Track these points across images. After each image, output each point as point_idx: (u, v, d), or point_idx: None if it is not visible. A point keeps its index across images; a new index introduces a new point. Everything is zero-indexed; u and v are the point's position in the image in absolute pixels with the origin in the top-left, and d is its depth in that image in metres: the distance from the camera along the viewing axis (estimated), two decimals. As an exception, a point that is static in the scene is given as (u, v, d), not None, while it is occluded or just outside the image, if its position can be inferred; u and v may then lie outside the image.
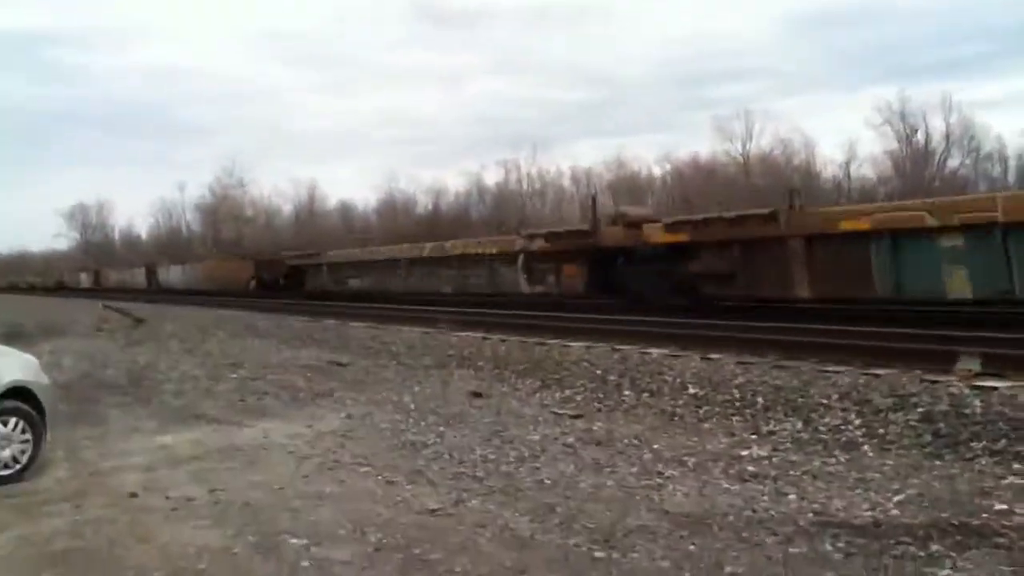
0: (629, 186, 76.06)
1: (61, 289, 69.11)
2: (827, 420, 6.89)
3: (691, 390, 8.34)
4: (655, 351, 10.07)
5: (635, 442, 7.03)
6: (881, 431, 6.46)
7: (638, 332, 12.04)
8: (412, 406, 9.27)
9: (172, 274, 52.27)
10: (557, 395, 9.33)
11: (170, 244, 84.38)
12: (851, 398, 7.17)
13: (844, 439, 6.50)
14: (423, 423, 8.35)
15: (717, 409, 7.75)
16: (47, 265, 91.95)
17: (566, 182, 78.92)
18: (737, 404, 7.74)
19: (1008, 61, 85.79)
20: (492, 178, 77.11)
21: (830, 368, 8.29)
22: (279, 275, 37.26)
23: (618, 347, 10.62)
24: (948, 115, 61.02)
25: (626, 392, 8.84)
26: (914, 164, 63.85)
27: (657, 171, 75.28)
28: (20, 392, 6.51)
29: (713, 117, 72.30)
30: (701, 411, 7.80)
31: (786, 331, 10.99)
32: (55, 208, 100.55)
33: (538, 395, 9.55)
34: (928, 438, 6.18)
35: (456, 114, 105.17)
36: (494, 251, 22.38)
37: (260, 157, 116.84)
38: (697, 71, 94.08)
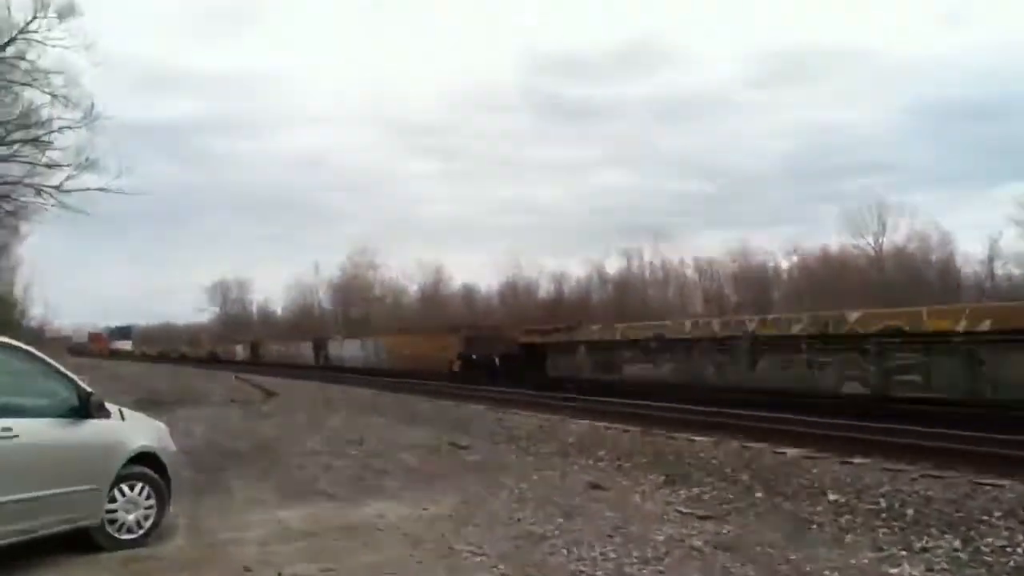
0: (754, 277, 74.32)
1: (214, 361, 68.07)
2: (990, 540, 6.16)
3: (831, 496, 7.71)
4: (790, 451, 9.44)
5: (769, 550, 6.48)
6: (1056, 557, 5.71)
7: (770, 430, 11.37)
8: (530, 494, 8.96)
9: (347, 349, 47.14)
10: (683, 493, 8.82)
11: (303, 321, 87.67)
12: (1017, 516, 6.42)
13: (1012, 563, 5.78)
14: (540, 513, 8.02)
15: (860, 519, 7.09)
16: (193, 336, 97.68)
17: (689, 271, 77.80)
18: (883, 515, 7.07)
19: None
20: (614, 266, 76.95)
21: (988, 480, 7.50)
22: (502, 354, 27.92)
23: (748, 444, 10.04)
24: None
25: (758, 494, 8.27)
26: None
27: (784, 263, 72.90)
28: (148, 458, 6.63)
29: (843, 209, 69.85)
30: (842, 520, 7.16)
31: (935, 436, 10.14)
32: (198, 283, 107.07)
33: (661, 491, 9.06)
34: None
35: (577, 204, 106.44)
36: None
37: (388, 241, 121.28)
38: (818, 164, 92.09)
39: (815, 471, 8.49)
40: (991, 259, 63.42)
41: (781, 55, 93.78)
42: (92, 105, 29.49)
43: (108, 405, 6.44)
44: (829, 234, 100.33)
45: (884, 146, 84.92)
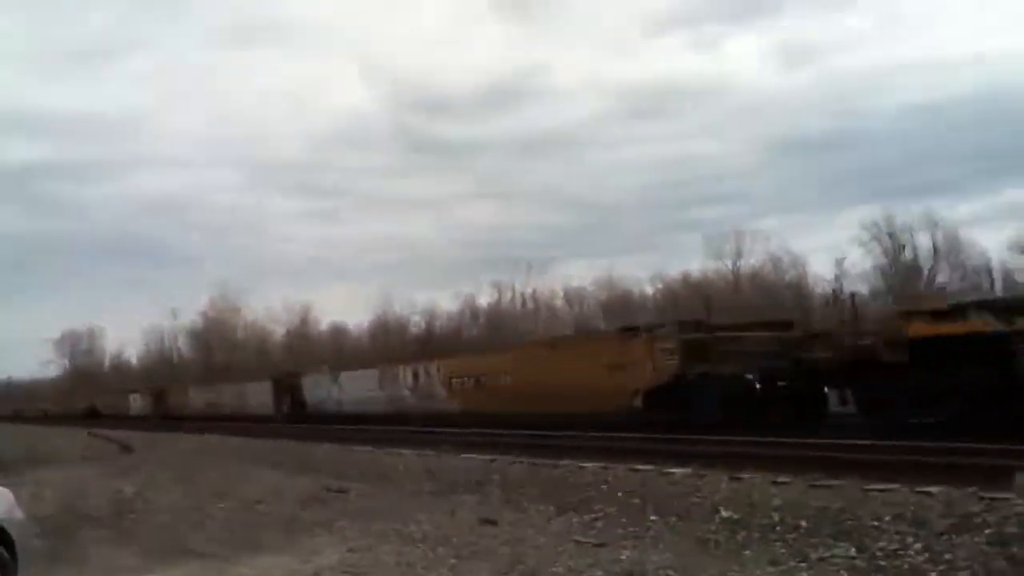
0: (622, 304, 76.35)
1: (93, 417, 55.44)
2: (883, 544, 6.25)
3: (723, 513, 7.70)
4: (678, 471, 9.44)
5: (670, 573, 6.36)
6: (948, 556, 5.83)
7: (654, 451, 11.40)
8: (419, 536, 8.56)
9: (345, 388, 32.17)
10: (575, 521, 8.64)
11: (159, 370, 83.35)
12: (905, 518, 6.55)
13: (906, 565, 5.87)
14: (431, 555, 7.65)
15: (756, 534, 7.09)
16: (51, 390, 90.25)
17: (559, 302, 79.07)
18: (777, 528, 7.09)
19: (979, 182, 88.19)
20: (485, 299, 77.23)
21: (875, 486, 7.66)
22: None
23: (636, 467, 9.98)
24: (934, 231, 61.89)
25: (652, 516, 8.18)
26: (905, 279, 64.38)
27: (649, 290, 75.38)
28: (-10, 529, 5.86)
29: (704, 236, 73.07)
30: (738, 536, 7.14)
31: (813, 447, 10.41)
32: (44, 336, 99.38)
33: (554, 521, 8.86)
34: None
35: (445, 238, 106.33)
36: None
37: (252, 282, 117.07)
38: (680, 195, 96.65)
39: (706, 490, 8.49)
40: (838, 278, 67.70)
41: (639, 92, 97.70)
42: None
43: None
44: (690, 260, 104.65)
45: (738, 177, 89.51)
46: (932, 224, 61.35)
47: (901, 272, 65.14)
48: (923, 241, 61.83)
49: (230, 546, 8.84)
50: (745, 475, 8.75)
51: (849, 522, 6.78)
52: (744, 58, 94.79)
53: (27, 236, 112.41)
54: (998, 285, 63.08)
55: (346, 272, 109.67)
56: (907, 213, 61.26)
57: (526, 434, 15.55)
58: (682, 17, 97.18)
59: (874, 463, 8.95)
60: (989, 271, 62.71)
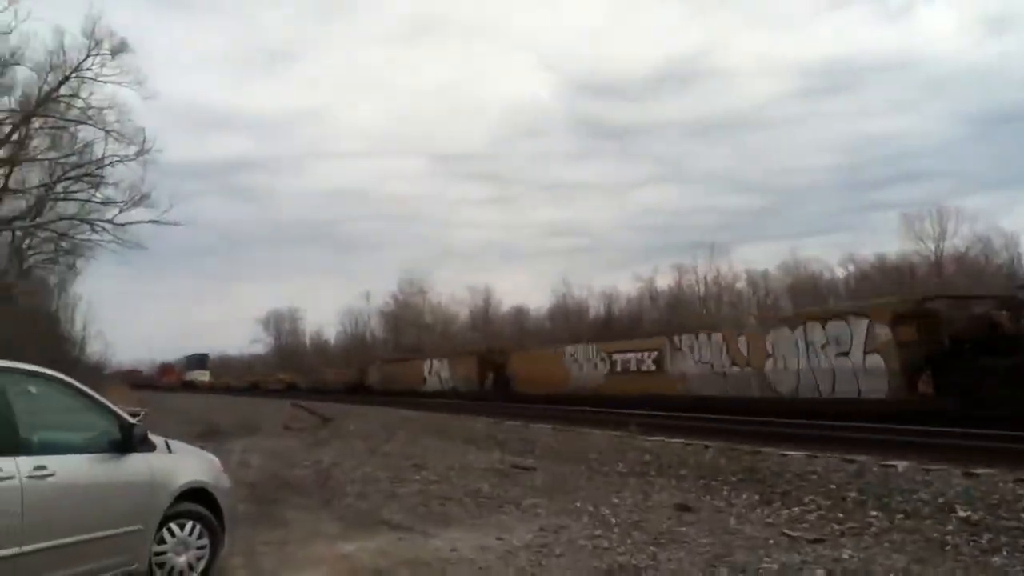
0: (809, 288, 72.57)
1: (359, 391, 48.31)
2: None
3: (960, 512, 6.79)
4: (899, 463, 8.51)
5: (903, 577, 5.64)
6: None
7: (870, 440, 10.37)
8: (613, 519, 8.17)
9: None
10: (784, 513, 7.95)
11: (355, 349, 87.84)
12: None
13: None
14: (628, 541, 7.24)
15: (1004, 538, 6.18)
16: (248, 367, 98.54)
17: (741, 285, 76.34)
18: (1031, 533, 6.15)
19: None
20: (664, 282, 75.85)
21: None
22: None
23: (850, 457, 9.11)
24: None
25: (872, 512, 7.37)
26: None
27: (840, 272, 71.08)
28: (199, 494, 6.00)
29: (903, 216, 68.00)
30: (982, 540, 6.25)
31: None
32: (252, 316, 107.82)
33: (758, 511, 8.20)
34: None
35: (623, 223, 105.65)
36: None
37: (436, 267, 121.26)
38: (869, 174, 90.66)
39: (936, 485, 7.56)
40: (1060, 259, 60.97)
41: (820, 69, 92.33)
42: (144, 139, 29.76)
43: (153, 437, 5.81)
44: (883, 242, 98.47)
45: (933, 154, 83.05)
46: None
47: None
48: None
49: (422, 518, 8.83)
50: (981, 470, 7.73)
51: None
52: (935, 28, 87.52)
53: (230, 224, 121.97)
54: None
55: (525, 256, 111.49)
56: None
57: (718, 419, 14.77)
58: None
59: None
60: None
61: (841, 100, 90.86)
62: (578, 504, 9.12)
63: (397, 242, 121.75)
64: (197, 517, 5.91)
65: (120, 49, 29.72)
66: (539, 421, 18.88)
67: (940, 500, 7.17)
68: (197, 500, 5.98)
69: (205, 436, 20.10)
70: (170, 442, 6.10)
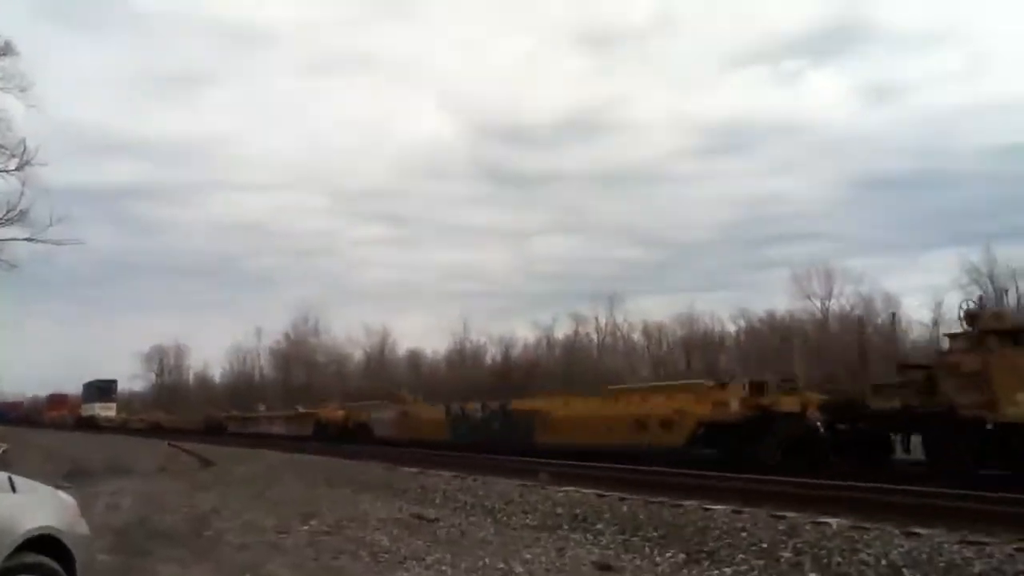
0: (702, 342, 74.09)
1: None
2: None
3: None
4: (833, 521, 8.04)
5: (862, 652, 5.06)
6: None
7: (795, 495, 9.90)
8: (528, 578, 7.39)
9: None
10: (714, 574, 7.34)
11: (242, 388, 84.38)
12: None
13: None
14: (549, 605, 6.48)
15: (960, 608, 5.70)
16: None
17: (637, 336, 77.42)
18: (989, 601, 5.69)
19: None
20: (561, 331, 76.20)
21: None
22: None
23: (779, 513, 8.61)
24: (1037, 277, 58.17)
25: (811, 574, 6.83)
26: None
27: (731, 327, 73.03)
28: (47, 543, 4.89)
29: (792, 273, 70.61)
30: (935, 609, 5.76)
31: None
32: (133, 350, 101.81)
33: (685, 571, 7.58)
34: None
35: (523, 269, 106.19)
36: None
37: (332, 306, 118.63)
38: (761, 232, 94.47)
39: (876, 545, 7.08)
40: (936, 323, 64.17)
41: (716, 128, 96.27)
42: (24, 150, 27.60)
43: (-11, 473, 4.70)
44: (772, 299, 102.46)
45: (820, 216, 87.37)
46: (1034, 268, 57.96)
47: (1005, 319, 61.53)
48: (1025, 287, 58.49)
49: (312, 575, 7.83)
50: (922, 530, 7.32)
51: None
52: (824, 94, 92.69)
53: (118, 253, 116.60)
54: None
55: (424, 299, 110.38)
56: (1009, 257, 58.27)
57: (626, 468, 14.20)
58: (762, 52, 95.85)
59: None
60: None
61: (738, 159, 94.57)
62: (487, 560, 8.29)
63: (294, 279, 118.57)
64: (43, 572, 4.80)
65: (3, 51, 27.63)
66: (438, 468, 17.92)
67: (883, 562, 6.69)
68: (45, 550, 4.87)
69: (71, 476, 18.31)
70: (14, 478, 4.96)
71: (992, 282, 60.97)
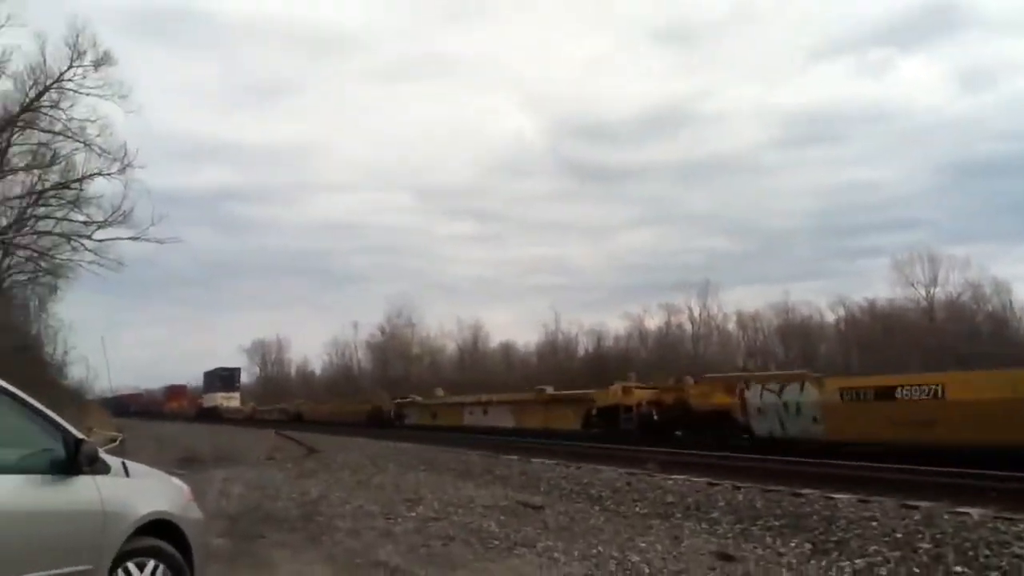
0: (799, 331, 71.94)
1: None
2: None
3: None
4: (974, 511, 7.46)
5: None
6: None
7: (930, 483, 9.23)
8: (645, 568, 7.08)
9: None
10: (846, 566, 6.88)
11: (342, 381, 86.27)
12: None
13: None
14: (672, 596, 6.16)
15: None
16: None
17: (731, 326, 75.73)
18: None
19: None
20: (653, 322, 75.16)
21: None
22: None
23: (911, 503, 8.06)
24: None
25: (956, 568, 6.31)
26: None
27: (830, 316, 70.64)
28: (163, 527, 4.87)
29: (893, 260, 67.81)
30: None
31: None
32: (236, 345, 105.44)
33: (814, 562, 7.13)
34: None
35: (608, 263, 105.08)
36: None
37: (423, 301, 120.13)
38: (851, 221, 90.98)
39: (1027, 537, 6.52)
40: (1053, 309, 60.53)
41: (801, 118, 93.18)
42: (125, 153, 28.62)
43: (107, 458, 4.70)
44: (869, 288, 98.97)
45: (915, 203, 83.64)
46: None
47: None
48: None
49: (426, 561, 7.72)
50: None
51: None
52: (915, 81, 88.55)
53: (216, 253, 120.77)
54: None
55: (511, 293, 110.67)
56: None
57: (736, 456, 13.69)
58: (847, 44, 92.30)
59: None
60: None
61: (825, 148, 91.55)
62: (600, 549, 8.01)
63: (384, 276, 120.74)
64: (160, 555, 4.78)
65: (103, 61, 28.70)
66: (541, 456, 17.74)
67: (1038, 555, 6.14)
68: (161, 534, 4.85)
69: (183, 464, 18.88)
70: (128, 464, 4.96)
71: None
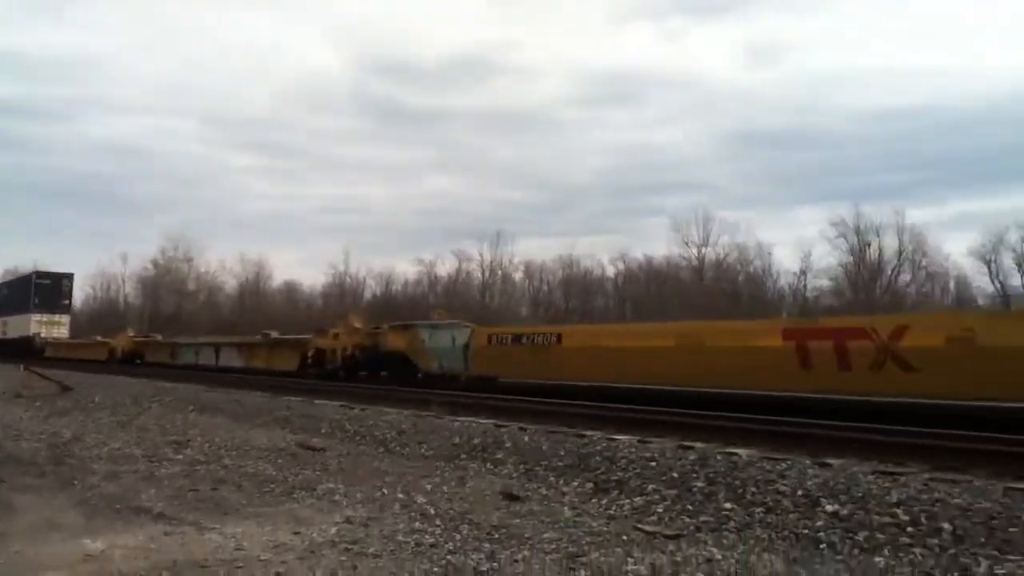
0: (581, 284, 75.31)
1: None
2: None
3: (828, 507, 6.18)
4: (743, 451, 7.92)
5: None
6: None
7: (705, 426, 9.75)
8: (431, 510, 6.93)
9: None
10: (625, 504, 7.09)
11: (105, 315, 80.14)
12: None
13: None
14: (457, 536, 6.04)
15: (881, 536, 5.59)
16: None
17: (519, 276, 77.95)
18: (909, 530, 5.60)
19: (947, 189, 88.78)
20: (444, 269, 75.75)
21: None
22: None
23: (687, 444, 8.44)
24: (901, 233, 61.95)
25: (726, 504, 6.64)
26: (867, 278, 64.27)
27: (611, 271, 74.69)
28: None
29: (671, 220, 72.37)
30: (858, 537, 5.63)
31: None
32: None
33: (595, 501, 7.30)
34: None
35: (405, 206, 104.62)
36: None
37: (207, 235, 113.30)
38: (644, 180, 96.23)
39: (791, 475, 6.97)
40: (803, 272, 67.30)
41: (603, 78, 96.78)
42: None
43: None
44: (651, 245, 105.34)
45: (700, 168, 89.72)
46: (900, 225, 61.70)
47: (865, 271, 65.20)
48: (889, 242, 62.20)
49: (193, 507, 7.14)
50: (830, 459, 7.25)
51: (1011, 529, 5.30)
52: (709, 53, 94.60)
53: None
54: (955, 289, 63.66)
55: (303, 232, 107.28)
56: (875, 213, 61.57)
57: (526, 400, 13.92)
58: (648, 10, 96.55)
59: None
60: (946, 276, 63.13)
61: (624, 109, 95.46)
62: (384, 491, 7.80)
63: (167, 205, 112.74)
64: None
65: None
66: (324, 397, 17.21)
67: (800, 491, 6.56)
68: None
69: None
70: None
71: (858, 236, 64.54)
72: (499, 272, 77.60)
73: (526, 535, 6.06)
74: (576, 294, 76.06)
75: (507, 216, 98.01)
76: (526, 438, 9.83)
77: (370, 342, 23.90)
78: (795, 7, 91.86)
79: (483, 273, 77.51)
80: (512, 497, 7.46)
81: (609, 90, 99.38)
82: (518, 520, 6.58)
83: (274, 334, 31.25)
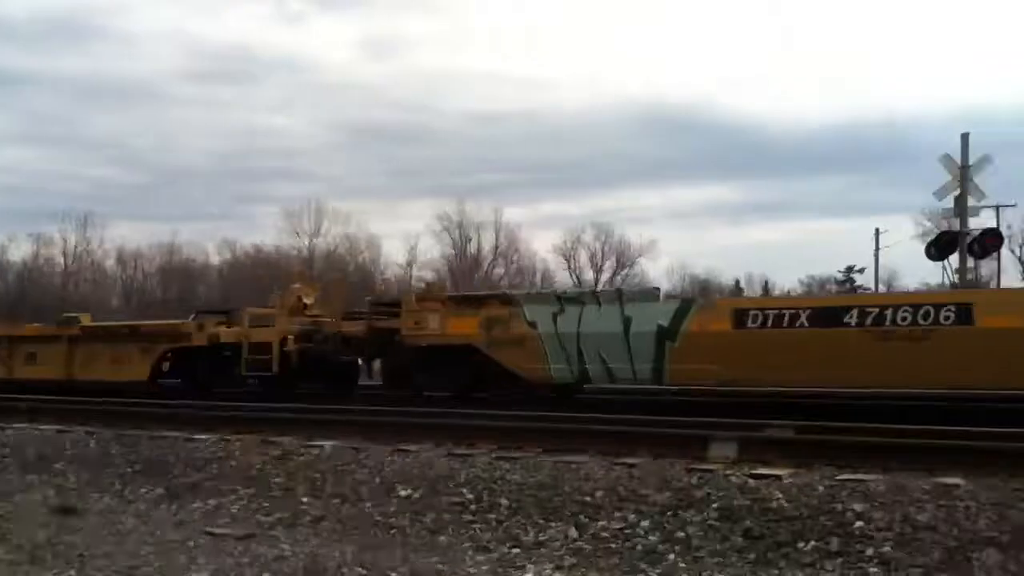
0: (182, 272, 71.22)
1: None
2: (604, 523, 5.42)
3: (402, 492, 6.35)
4: (327, 444, 7.81)
5: (360, 570, 4.90)
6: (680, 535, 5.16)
7: (288, 420, 9.45)
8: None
9: None
10: (197, 507, 6.68)
11: None
12: (618, 493, 5.79)
13: (640, 547, 5.10)
14: (-9, 562, 5.24)
15: (447, 516, 5.87)
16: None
17: (110, 263, 71.13)
18: (473, 508, 5.95)
19: (540, 191, 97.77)
20: (18, 253, 66.23)
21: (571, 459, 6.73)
22: None
23: (272, 439, 8.13)
24: (498, 229, 67.52)
25: (304, 499, 6.55)
26: (467, 271, 69.22)
27: (216, 259, 71.21)
28: None
29: (283, 209, 70.77)
30: (427, 519, 5.86)
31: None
32: None
33: (163, 508, 6.79)
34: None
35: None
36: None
37: None
38: (254, 166, 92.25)
39: (370, 464, 7.03)
40: (410, 264, 70.44)
41: (219, 54, 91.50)
42: None
43: None
44: (263, 234, 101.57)
45: (314, 157, 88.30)
46: (497, 223, 67.37)
47: (466, 263, 70.19)
48: (488, 237, 67.60)
49: None
50: (412, 446, 7.45)
51: (556, 499, 5.86)
52: (327, 40, 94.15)
53: None
54: (540, 282, 71.29)
55: None
56: (477, 211, 66.43)
57: (94, 401, 12.45)
58: None
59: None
60: (534, 270, 70.54)
61: (238, 88, 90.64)
62: None
63: None
64: None
65: None
66: None
67: (377, 479, 6.67)
68: None
69: None
70: None
71: (460, 231, 69.07)
72: (88, 259, 70.01)
73: (79, 553, 5.43)
74: (176, 283, 71.48)
75: (100, 196, 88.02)
76: (92, 443, 8.80)
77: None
78: (406, 4, 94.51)
79: (67, 259, 69.33)
80: (67, 511, 6.66)
81: (225, 67, 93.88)
82: (72, 536, 5.88)
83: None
